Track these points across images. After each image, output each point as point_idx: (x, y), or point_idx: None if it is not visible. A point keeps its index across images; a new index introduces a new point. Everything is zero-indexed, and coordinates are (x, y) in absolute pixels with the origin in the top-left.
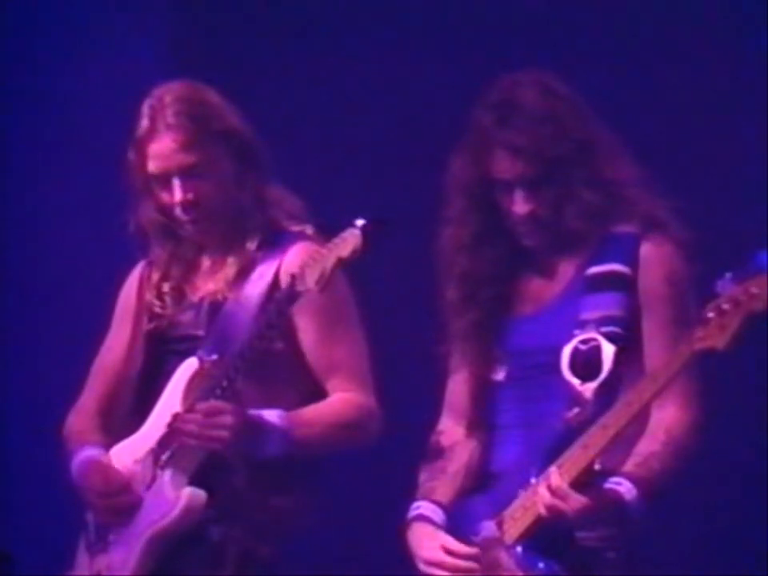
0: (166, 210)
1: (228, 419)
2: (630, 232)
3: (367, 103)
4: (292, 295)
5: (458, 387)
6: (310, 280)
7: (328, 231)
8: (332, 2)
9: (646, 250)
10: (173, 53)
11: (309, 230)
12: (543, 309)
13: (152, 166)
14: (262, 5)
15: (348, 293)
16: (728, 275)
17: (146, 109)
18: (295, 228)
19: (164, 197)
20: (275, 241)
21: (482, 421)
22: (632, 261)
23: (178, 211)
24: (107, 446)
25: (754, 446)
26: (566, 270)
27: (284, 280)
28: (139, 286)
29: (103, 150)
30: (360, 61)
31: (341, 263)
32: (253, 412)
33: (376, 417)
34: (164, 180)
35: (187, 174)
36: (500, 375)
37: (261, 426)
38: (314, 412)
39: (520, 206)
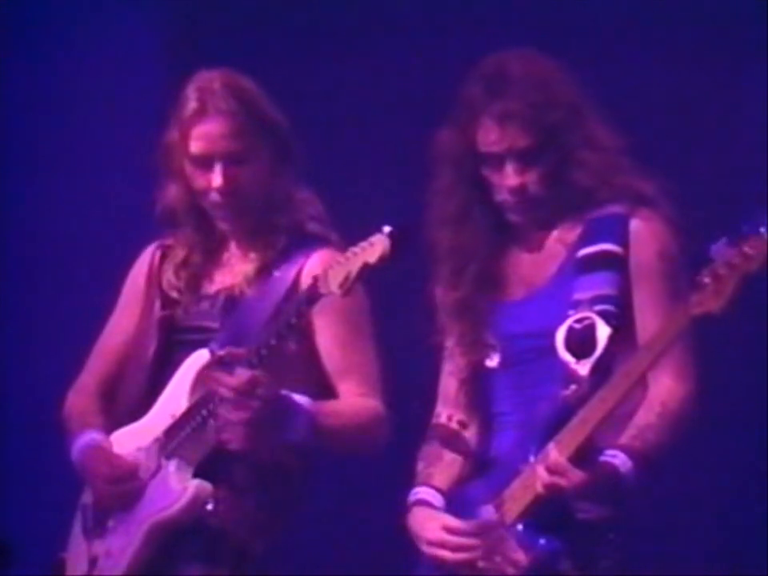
0: (199, 194)
1: (262, 391)
2: (618, 212)
3: (373, 103)
4: (313, 297)
5: (451, 376)
6: (334, 283)
7: (349, 240)
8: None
9: (636, 226)
10: (172, 51)
11: (333, 236)
12: (535, 292)
13: (195, 147)
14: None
15: (365, 299)
16: (722, 240)
17: (192, 92)
18: (320, 232)
19: (201, 180)
20: (299, 243)
21: (477, 408)
22: (623, 239)
23: (213, 195)
24: (107, 429)
25: (756, 431)
26: (556, 251)
27: (304, 283)
28: (149, 270)
29: (103, 144)
30: (366, 57)
31: (367, 268)
32: (284, 392)
33: (385, 423)
34: (205, 163)
35: (230, 160)
36: (494, 361)
37: (291, 406)
38: (335, 406)
39: (511, 178)
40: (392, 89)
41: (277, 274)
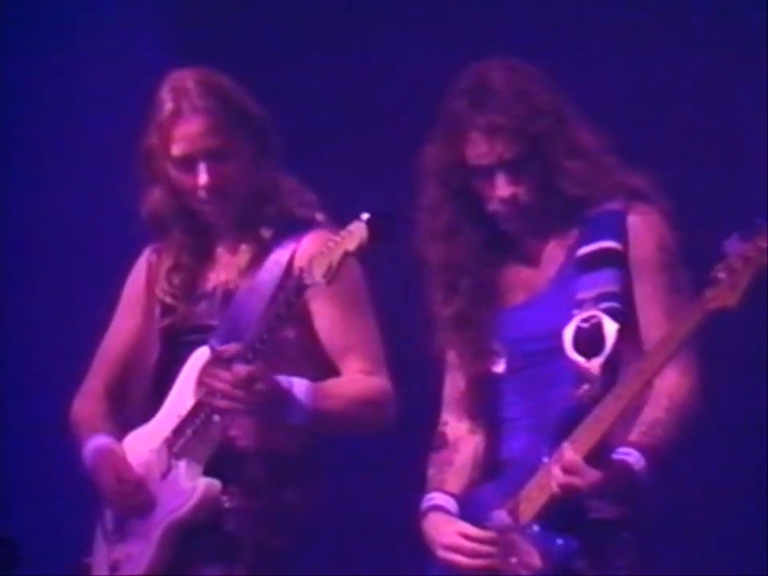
0: (185, 194)
1: (260, 386)
2: (614, 209)
3: (370, 95)
4: (300, 288)
5: (456, 384)
6: (318, 273)
7: (338, 220)
8: None
9: (633, 221)
10: (172, 51)
11: (320, 216)
12: (537, 295)
13: (177, 149)
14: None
15: (360, 278)
16: (734, 235)
17: (167, 93)
18: (307, 215)
19: (186, 180)
20: (288, 229)
21: (484, 415)
22: (621, 235)
23: (201, 194)
24: (116, 433)
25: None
26: (554, 254)
27: (298, 267)
28: (147, 272)
29: (103, 144)
30: (366, 51)
31: (348, 257)
32: (283, 379)
33: (392, 397)
34: (188, 163)
35: (213, 157)
36: (500, 367)
37: (289, 393)
38: (337, 385)
39: (502, 189)
40: (391, 86)
41: (269, 262)
